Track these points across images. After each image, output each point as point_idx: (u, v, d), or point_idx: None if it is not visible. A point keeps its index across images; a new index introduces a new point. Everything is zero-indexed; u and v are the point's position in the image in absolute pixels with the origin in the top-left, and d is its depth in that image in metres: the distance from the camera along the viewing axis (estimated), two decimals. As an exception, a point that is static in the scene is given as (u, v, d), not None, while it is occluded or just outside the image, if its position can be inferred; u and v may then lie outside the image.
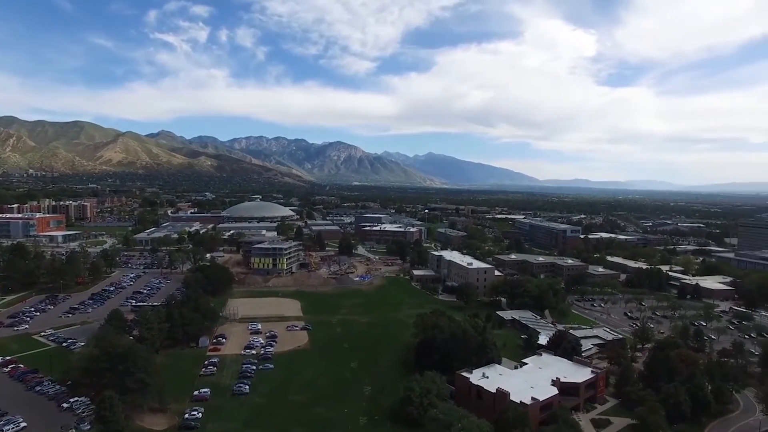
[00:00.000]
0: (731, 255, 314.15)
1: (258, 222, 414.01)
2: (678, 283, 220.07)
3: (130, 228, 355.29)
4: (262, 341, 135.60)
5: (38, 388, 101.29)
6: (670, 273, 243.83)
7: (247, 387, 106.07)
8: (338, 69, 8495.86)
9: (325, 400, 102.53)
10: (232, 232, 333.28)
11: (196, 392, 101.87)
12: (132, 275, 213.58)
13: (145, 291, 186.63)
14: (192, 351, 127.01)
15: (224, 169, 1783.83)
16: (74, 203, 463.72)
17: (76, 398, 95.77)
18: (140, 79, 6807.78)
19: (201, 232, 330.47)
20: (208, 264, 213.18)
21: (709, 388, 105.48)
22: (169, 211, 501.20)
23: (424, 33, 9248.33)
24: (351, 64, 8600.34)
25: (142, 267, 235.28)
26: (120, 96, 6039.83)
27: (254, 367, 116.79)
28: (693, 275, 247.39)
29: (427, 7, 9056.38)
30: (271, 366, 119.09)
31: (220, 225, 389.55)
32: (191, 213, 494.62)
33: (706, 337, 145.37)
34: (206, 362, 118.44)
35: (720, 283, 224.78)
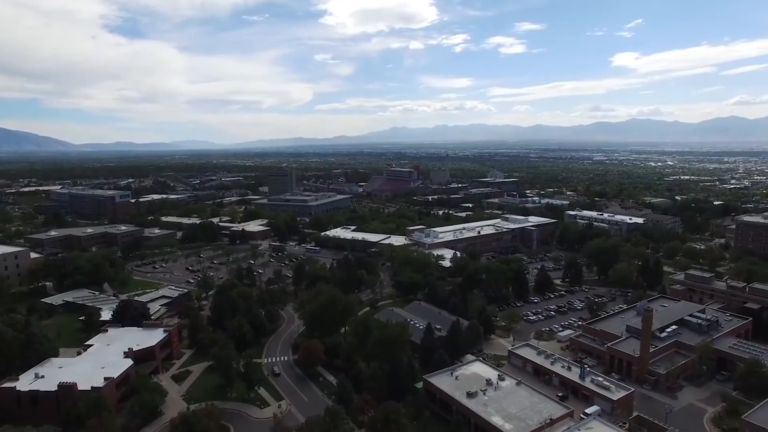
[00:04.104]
0: (265, 201, 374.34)
1: None
2: (228, 232, 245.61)
3: None
4: None
5: None
6: (221, 224, 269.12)
7: None
8: None
9: None
10: None
11: None
12: None
13: None
14: None
15: None
16: None
17: None
18: None
19: None
20: None
21: (263, 312, 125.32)
22: None
23: None
24: None
25: None
26: None
27: None
28: (239, 222, 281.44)
29: None
30: None
31: None
32: None
33: (255, 273, 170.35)
34: None
35: (260, 225, 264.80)
